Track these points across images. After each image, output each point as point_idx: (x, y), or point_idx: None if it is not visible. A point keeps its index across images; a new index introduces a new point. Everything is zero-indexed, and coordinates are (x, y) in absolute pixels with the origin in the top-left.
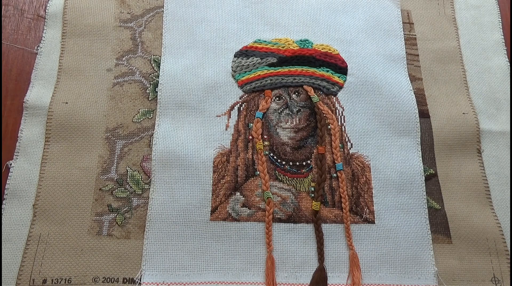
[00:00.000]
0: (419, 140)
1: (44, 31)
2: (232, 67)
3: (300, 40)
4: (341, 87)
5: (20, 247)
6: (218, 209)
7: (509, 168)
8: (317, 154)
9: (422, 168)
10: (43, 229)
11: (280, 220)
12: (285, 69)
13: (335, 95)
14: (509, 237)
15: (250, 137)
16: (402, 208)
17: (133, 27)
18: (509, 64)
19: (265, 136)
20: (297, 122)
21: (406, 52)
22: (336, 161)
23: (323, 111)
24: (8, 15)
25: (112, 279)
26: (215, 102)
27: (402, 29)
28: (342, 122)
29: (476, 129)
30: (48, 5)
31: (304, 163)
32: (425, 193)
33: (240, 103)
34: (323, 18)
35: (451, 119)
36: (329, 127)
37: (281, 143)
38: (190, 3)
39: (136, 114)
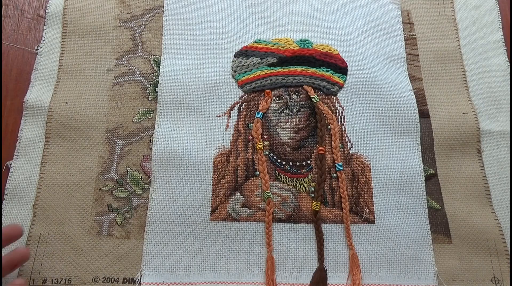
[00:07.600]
0: (419, 140)
1: (44, 31)
2: (232, 67)
3: (300, 40)
4: (341, 87)
5: None
6: (218, 209)
7: (509, 168)
8: (317, 154)
9: (422, 168)
10: (43, 229)
11: (280, 220)
12: (285, 69)
13: (335, 95)
14: (509, 237)
15: (250, 137)
16: (402, 208)
17: (133, 27)
18: (509, 64)
19: (265, 136)
20: (297, 122)
21: (406, 52)
22: (336, 161)
23: (323, 111)
24: (8, 15)
25: (112, 279)
26: (215, 102)
27: (402, 29)
28: (342, 122)
29: (476, 129)
30: (48, 5)
31: (304, 163)
32: (425, 193)
33: (240, 103)
34: (323, 18)
35: (451, 119)
36: (329, 127)
37: (281, 143)
38: (190, 3)
39: (136, 114)
